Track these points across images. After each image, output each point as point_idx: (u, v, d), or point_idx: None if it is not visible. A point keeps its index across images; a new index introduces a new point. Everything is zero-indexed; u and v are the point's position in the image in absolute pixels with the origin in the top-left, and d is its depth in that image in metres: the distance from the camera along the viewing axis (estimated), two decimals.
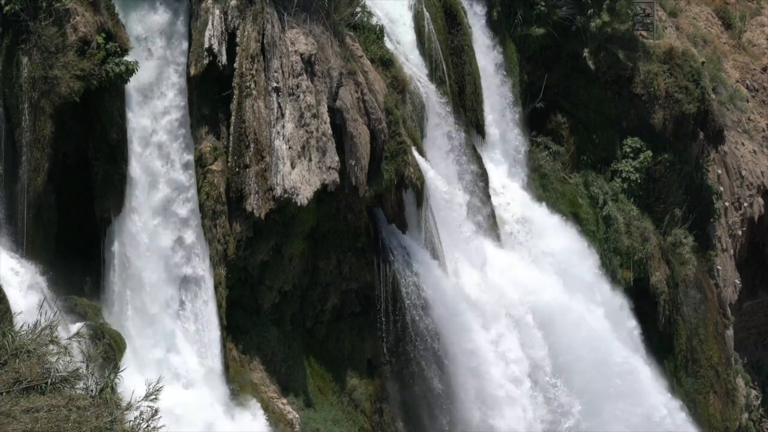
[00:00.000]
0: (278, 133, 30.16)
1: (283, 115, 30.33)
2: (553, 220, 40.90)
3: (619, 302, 41.74)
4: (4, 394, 14.74)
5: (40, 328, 16.25)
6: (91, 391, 15.75)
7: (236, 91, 29.92)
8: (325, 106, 31.01)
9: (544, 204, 41.09)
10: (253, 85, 29.95)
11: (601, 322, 39.36)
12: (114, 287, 27.79)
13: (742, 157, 50.80)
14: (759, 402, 51.33)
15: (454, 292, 34.47)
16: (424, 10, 37.48)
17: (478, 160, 37.93)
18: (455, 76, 38.72)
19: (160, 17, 29.11)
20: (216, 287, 29.70)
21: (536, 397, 35.91)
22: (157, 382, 15.44)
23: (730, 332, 48.40)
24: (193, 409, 28.03)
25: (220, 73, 29.93)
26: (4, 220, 26.50)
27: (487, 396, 34.55)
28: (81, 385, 15.85)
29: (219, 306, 29.71)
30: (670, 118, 44.77)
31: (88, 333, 25.22)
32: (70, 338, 19.22)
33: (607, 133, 44.53)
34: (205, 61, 29.42)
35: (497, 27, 41.41)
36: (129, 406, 15.14)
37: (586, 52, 43.86)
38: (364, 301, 33.45)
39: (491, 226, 38.12)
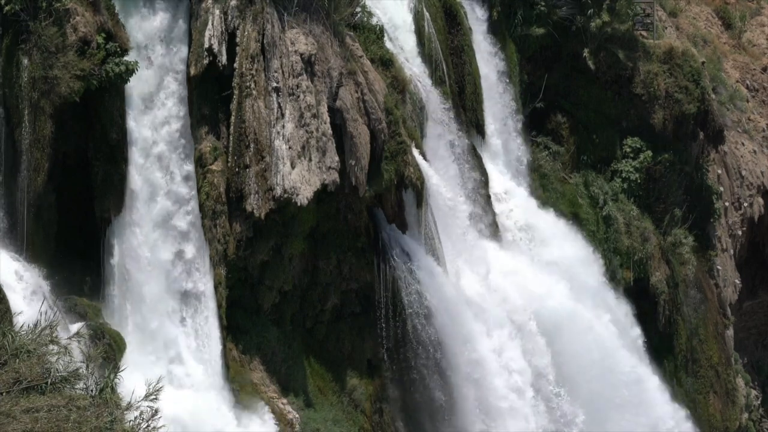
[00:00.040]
0: (278, 133, 30.16)
1: (283, 115, 30.34)
2: (558, 226, 40.56)
3: (624, 309, 41.51)
4: (4, 394, 14.74)
5: (40, 328, 16.25)
6: (91, 391, 15.75)
7: (236, 91, 29.92)
8: (325, 106, 31.01)
9: (550, 210, 40.82)
10: (253, 85, 29.95)
11: (608, 328, 39.01)
12: (114, 300, 27.80)
13: (742, 157, 50.81)
14: (759, 402, 51.33)
15: (454, 293, 34.41)
16: (424, 10, 37.47)
17: (481, 167, 37.90)
18: (455, 77, 38.71)
19: (159, 23, 29.08)
20: (216, 287, 29.70)
21: (538, 407, 35.40)
22: (157, 382, 15.44)
23: (730, 332, 48.40)
24: (201, 415, 27.96)
25: (220, 73, 29.92)
26: (4, 220, 26.50)
27: (490, 407, 34.24)
28: (81, 385, 15.85)
29: (219, 306, 29.71)
30: (670, 118, 44.77)
31: (88, 333, 25.22)
32: (70, 338, 19.20)
33: (607, 133, 44.53)
34: (205, 61, 29.42)
35: (497, 29, 41.37)
36: (129, 406, 15.13)
37: (586, 52, 43.86)
38: (364, 302, 33.44)
39: (494, 232, 38.02)
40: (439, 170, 35.41)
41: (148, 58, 28.69)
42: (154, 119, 28.83)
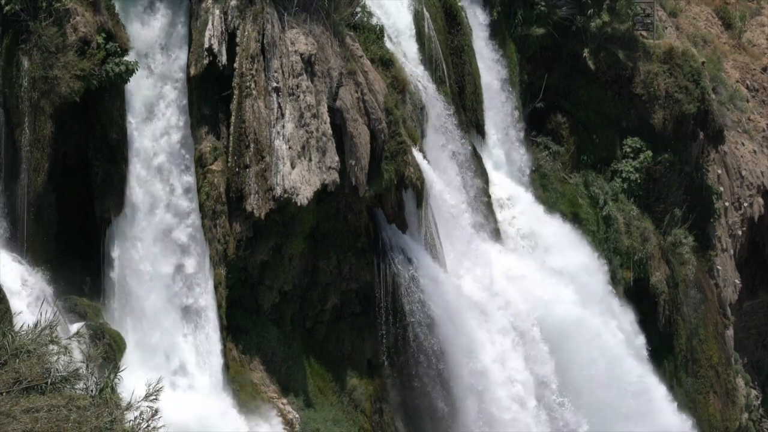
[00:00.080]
0: (278, 133, 30.15)
1: (283, 115, 30.33)
2: (563, 233, 40.28)
3: (630, 318, 41.29)
4: (4, 394, 14.74)
5: (40, 328, 16.25)
6: (91, 391, 15.74)
7: (236, 91, 29.91)
8: (325, 106, 31.01)
9: (556, 215, 40.65)
10: (253, 85, 29.95)
11: (615, 336, 38.64)
12: (114, 313, 27.77)
13: (742, 157, 50.80)
14: (759, 402, 51.32)
15: (455, 294, 34.30)
16: (424, 10, 37.46)
17: (484, 174, 37.85)
18: (455, 77, 38.71)
19: (157, 26, 29.05)
20: (216, 287, 29.70)
21: (540, 416, 34.91)
22: (158, 383, 15.43)
23: (730, 332, 48.40)
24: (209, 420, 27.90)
25: (220, 73, 29.92)
26: (4, 219, 26.49)
27: (492, 419, 33.95)
28: (81, 385, 15.84)
29: (219, 306, 29.71)
30: (670, 118, 44.76)
31: (88, 333, 25.21)
32: (70, 338, 19.20)
33: (607, 133, 44.53)
34: (205, 61, 29.41)
35: (498, 29, 41.33)
36: (129, 406, 15.13)
37: (586, 52, 43.86)
38: (364, 302, 33.44)
39: (497, 238, 37.92)
40: (442, 177, 35.31)
41: (148, 67, 28.70)
42: (155, 130, 28.83)
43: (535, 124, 43.43)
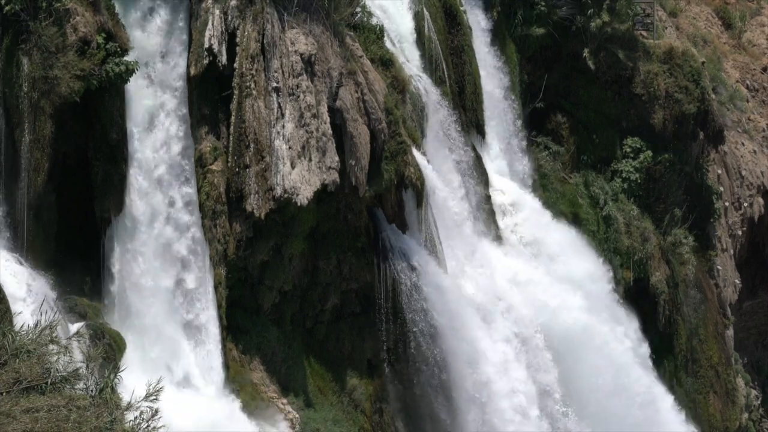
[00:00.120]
0: (278, 133, 30.15)
1: (283, 115, 30.33)
2: (567, 240, 40.06)
3: (634, 326, 41.13)
4: (4, 394, 14.73)
5: (40, 328, 16.25)
6: (91, 391, 15.74)
7: (236, 91, 29.91)
8: (325, 106, 31.00)
9: (562, 221, 40.51)
10: (253, 85, 29.94)
11: (623, 344, 38.32)
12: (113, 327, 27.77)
13: (742, 157, 50.81)
14: (759, 402, 51.32)
15: (455, 295, 34.26)
16: (424, 10, 37.47)
17: (486, 182, 37.83)
18: (455, 76, 38.71)
19: (157, 31, 29.04)
20: (216, 287, 29.70)
21: (542, 426, 34.44)
22: (158, 383, 15.43)
23: (730, 332, 48.40)
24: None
25: (220, 73, 29.92)
26: (4, 219, 26.49)
27: (494, 429, 33.70)
28: (81, 385, 15.84)
29: (219, 306, 29.71)
30: (670, 118, 44.77)
31: (88, 333, 25.21)
32: (70, 338, 19.20)
33: (607, 133, 44.54)
34: (205, 61, 29.41)
35: (499, 31, 41.30)
36: (129, 406, 15.13)
37: (586, 52, 43.86)
38: (364, 302, 33.44)
39: (500, 244, 37.85)
40: (447, 185, 35.28)
41: (148, 76, 28.70)
42: (155, 141, 28.82)
43: (535, 124, 43.44)
